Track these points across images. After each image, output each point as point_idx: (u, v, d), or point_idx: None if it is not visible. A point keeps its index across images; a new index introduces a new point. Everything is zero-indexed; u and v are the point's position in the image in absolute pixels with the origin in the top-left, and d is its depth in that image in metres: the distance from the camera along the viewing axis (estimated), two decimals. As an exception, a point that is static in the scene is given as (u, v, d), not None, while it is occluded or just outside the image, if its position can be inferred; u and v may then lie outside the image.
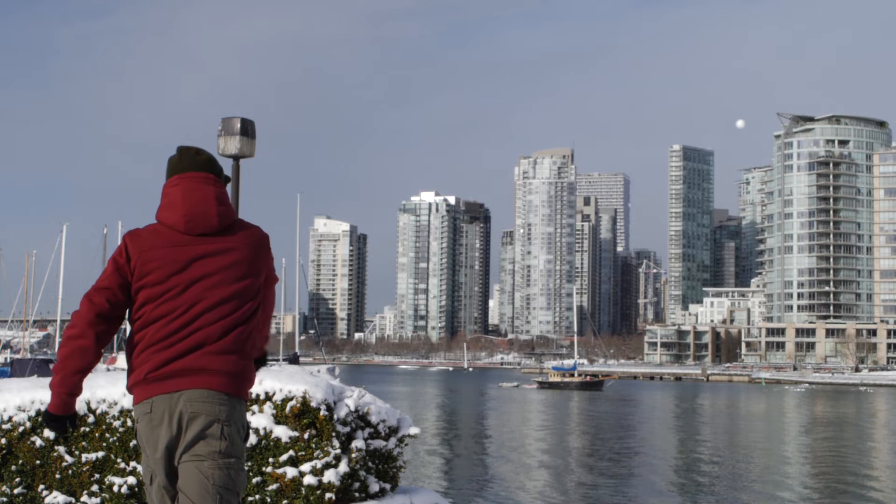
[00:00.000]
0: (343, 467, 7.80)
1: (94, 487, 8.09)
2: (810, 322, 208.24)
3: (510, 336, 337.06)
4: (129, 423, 8.05)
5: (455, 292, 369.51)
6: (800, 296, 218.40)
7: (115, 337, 4.03)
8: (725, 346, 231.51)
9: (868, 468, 36.09)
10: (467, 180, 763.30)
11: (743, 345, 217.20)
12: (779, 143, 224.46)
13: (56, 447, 8.20)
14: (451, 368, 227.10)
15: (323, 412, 7.88)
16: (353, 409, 8.21)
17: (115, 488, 8.04)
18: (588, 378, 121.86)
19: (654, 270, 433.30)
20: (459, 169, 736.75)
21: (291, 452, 7.75)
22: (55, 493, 8.12)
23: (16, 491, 8.23)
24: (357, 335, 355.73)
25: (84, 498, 8.10)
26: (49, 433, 8.22)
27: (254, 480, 7.75)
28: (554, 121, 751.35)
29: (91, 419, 8.14)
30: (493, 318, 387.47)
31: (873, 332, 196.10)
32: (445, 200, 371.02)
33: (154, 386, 3.66)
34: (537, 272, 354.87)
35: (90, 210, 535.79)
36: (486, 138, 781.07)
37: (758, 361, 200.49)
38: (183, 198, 3.81)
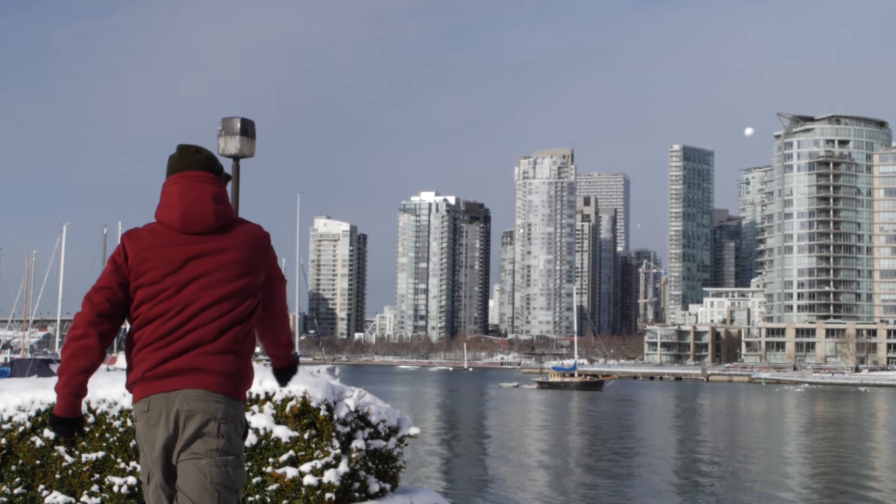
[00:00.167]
0: (343, 467, 7.80)
1: (94, 487, 8.09)
2: (810, 322, 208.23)
3: (510, 336, 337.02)
4: (129, 422, 8.05)
5: (455, 292, 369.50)
6: (800, 296, 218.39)
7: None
8: (725, 346, 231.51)
9: (868, 468, 36.09)
10: (467, 180, 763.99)
11: (743, 345, 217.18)
12: (779, 143, 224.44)
13: (56, 447, 8.21)
14: (451, 368, 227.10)
15: (323, 412, 7.88)
16: (353, 409, 8.21)
17: (115, 488, 8.04)
18: (588, 378, 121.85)
19: (654, 270, 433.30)
20: (459, 169, 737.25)
21: (291, 452, 7.74)
22: (55, 493, 8.12)
23: (16, 491, 8.23)
24: (357, 335, 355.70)
25: (84, 498, 8.10)
26: (49, 433, 8.22)
27: (254, 480, 7.75)
28: (554, 121, 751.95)
29: (91, 419, 8.15)
30: (493, 318, 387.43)
31: (873, 332, 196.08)
32: (445, 200, 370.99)
33: (151, 385, 3.66)
34: (537, 272, 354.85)
35: (90, 210, 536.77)
36: (486, 138, 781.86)
37: (758, 361, 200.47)
38: (180, 197, 3.79)
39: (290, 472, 7.68)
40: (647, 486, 29.72)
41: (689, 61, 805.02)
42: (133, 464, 8.00)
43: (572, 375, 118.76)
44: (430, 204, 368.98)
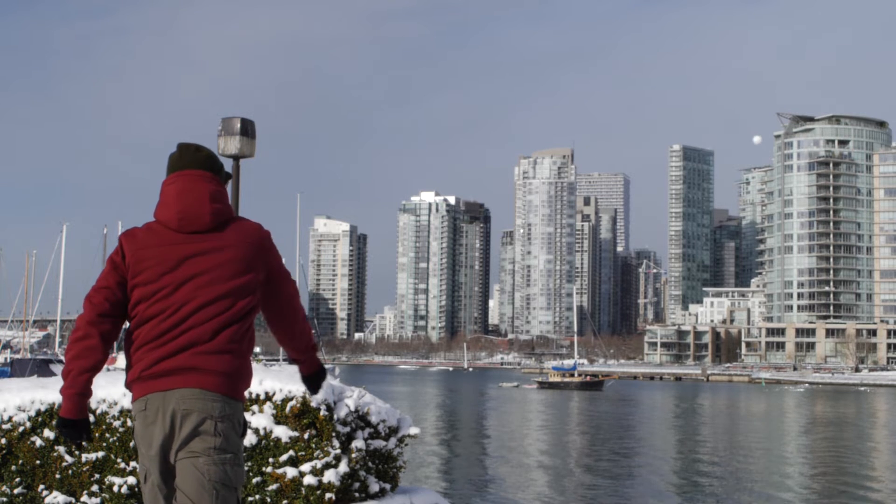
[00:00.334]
0: (343, 467, 7.80)
1: (94, 487, 8.09)
2: (810, 322, 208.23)
3: (510, 336, 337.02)
4: (129, 422, 8.05)
5: (455, 292, 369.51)
6: (800, 296, 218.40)
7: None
8: (725, 346, 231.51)
9: (868, 468, 36.09)
10: (467, 180, 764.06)
11: (743, 345, 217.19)
12: (779, 143, 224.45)
13: (56, 447, 8.21)
14: (451, 368, 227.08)
15: (323, 412, 7.88)
16: (353, 409, 8.21)
17: (115, 488, 8.04)
18: (588, 378, 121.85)
19: (654, 270, 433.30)
20: (459, 169, 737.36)
21: (291, 452, 7.74)
22: (55, 493, 8.12)
23: (16, 491, 8.23)
24: (357, 335, 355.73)
25: (84, 498, 8.10)
26: (49, 433, 8.22)
27: (254, 480, 7.75)
28: (554, 121, 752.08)
29: (91, 419, 8.15)
30: (493, 318, 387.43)
31: (873, 332, 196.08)
32: (445, 200, 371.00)
33: (148, 384, 3.67)
34: (537, 272, 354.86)
35: (90, 210, 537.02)
36: (486, 138, 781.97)
37: (758, 361, 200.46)
38: (177, 196, 3.79)
39: (290, 472, 7.68)
40: (647, 486, 29.72)
41: (689, 61, 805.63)
42: (133, 464, 8.00)
43: (572, 375, 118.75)
44: (430, 204, 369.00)
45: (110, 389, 8.08)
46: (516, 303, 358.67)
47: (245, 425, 3.82)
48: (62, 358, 61.08)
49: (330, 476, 7.68)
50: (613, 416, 65.17)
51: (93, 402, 8.14)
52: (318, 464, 7.72)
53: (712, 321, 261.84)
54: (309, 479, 7.66)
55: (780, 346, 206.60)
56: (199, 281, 3.71)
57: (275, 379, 8.03)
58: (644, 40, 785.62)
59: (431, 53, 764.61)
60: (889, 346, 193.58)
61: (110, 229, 77.33)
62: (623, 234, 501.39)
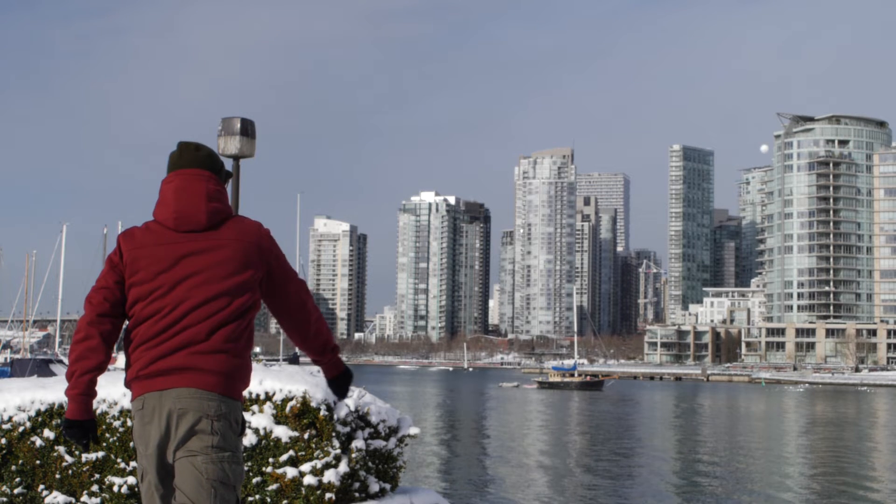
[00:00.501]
0: (343, 467, 7.80)
1: (94, 487, 8.09)
2: (810, 322, 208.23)
3: (510, 336, 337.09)
4: (129, 422, 8.04)
5: (455, 292, 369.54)
6: (800, 296, 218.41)
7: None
8: (725, 346, 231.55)
9: (868, 468, 36.09)
10: (467, 180, 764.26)
11: (743, 345, 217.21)
12: (779, 143, 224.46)
13: (56, 447, 8.21)
14: (451, 368, 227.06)
15: (323, 412, 7.88)
16: (353, 409, 8.21)
17: (115, 488, 8.04)
18: (588, 378, 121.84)
19: (654, 270, 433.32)
20: (459, 169, 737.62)
21: (291, 452, 7.74)
22: (55, 493, 8.12)
23: (16, 491, 8.23)
24: (357, 335, 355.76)
25: (84, 498, 8.10)
26: (49, 433, 8.23)
27: (254, 480, 7.75)
28: (554, 121, 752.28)
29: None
30: (493, 318, 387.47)
31: (873, 332, 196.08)
32: (445, 200, 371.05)
33: (145, 383, 3.67)
34: (537, 272, 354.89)
35: (90, 210, 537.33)
36: (486, 138, 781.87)
37: (758, 361, 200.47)
38: (174, 195, 3.79)
39: (290, 472, 7.68)
40: (647, 486, 29.72)
41: (689, 61, 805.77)
42: (133, 464, 8.00)
43: (572, 375, 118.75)
44: (430, 204, 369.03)
45: (110, 389, 8.08)
46: (516, 303, 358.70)
47: (243, 424, 3.81)
48: (62, 358, 61.09)
49: (330, 476, 7.68)
50: (613, 416, 65.17)
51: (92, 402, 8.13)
52: (318, 464, 7.72)
53: (712, 321, 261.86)
54: (309, 479, 7.66)
55: (780, 346, 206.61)
56: (195, 280, 3.70)
57: (275, 379, 8.03)
58: (644, 40, 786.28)
59: (431, 53, 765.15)
60: (889, 346, 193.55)
61: (110, 229, 77.36)
62: (623, 234, 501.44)
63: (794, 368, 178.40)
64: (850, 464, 37.03)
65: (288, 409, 7.83)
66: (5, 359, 62.67)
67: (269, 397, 7.93)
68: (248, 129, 12.09)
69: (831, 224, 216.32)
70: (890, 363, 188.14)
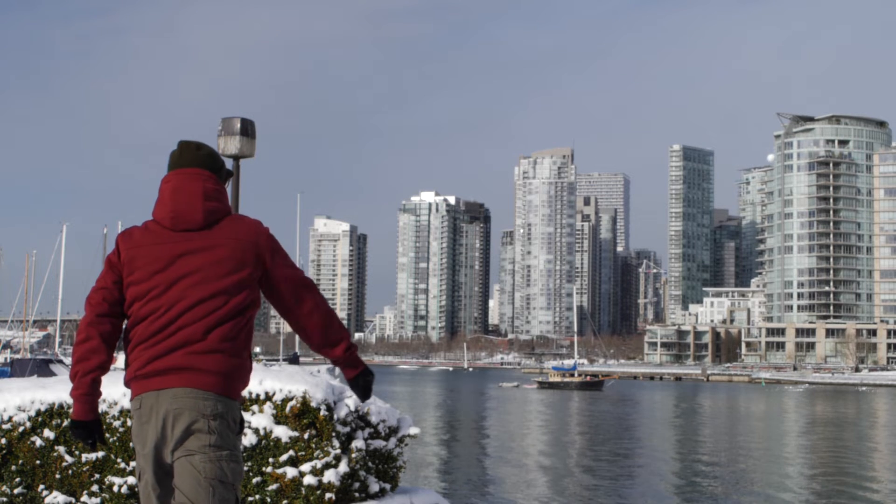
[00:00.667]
0: (343, 467, 7.80)
1: (94, 487, 8.09)
2: (810, 322, 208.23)
3: (510, 336, 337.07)
4: (129, 422, 8.05)
5: (455, 292, 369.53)
6: (800, 296, 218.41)
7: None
8: (725, 346, 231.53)
9: (868, 468, 36.09)
10: (467, 180, 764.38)
11: (743, 345, 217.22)
12: (779, 142, 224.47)
13: (56, 447, 8.21)
14: (451, 368, 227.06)
15: (323, 412, 7.88)
16: (353, 409, 8.21)
17: (115, 488, 8.04)
18: (588, 378, 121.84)
19: (654, 270, 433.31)
20: (459, 169, 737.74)
21: (291, 452, 7.75)
22: (55, 493, 8.12)
23: (16, 491, 8.23)
24: (357, 335, 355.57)
25: (84, 498, 8.10)
26: (49, 433, 8.23)
27: (254, 480, 7.75)
28: (554, 121, 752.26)
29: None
30: (493, 318, 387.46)
31: (873, 332, 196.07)
32: (445, 200, 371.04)
33: (143, 383, 3.68)
34: (537, 272, 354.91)
35: (90, 210, 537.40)
36: (486, 138, 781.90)
37: (758, 361, 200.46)
38: (171, 194, 3.79)
39: (290, 472, 7.68)
40: (647, 486, 29.73)
41: (689, 61, 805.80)
42: (133, 464, 8.00)
43: (572, 375, 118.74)
44: (430, 204, 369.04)
45: (110, 389, 8.08)
46: (516, 303, 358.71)
47: (242, 423, 3.80)
48: (62, 358, 61.11)
49: (330, 476, 7.68)
50: (613, 416, 65.16)
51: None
52: (318, 464, 7.72)
53: (712, 321, 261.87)
54: (309, 479, 7.66)
55: (780, 346, 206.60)
56: (191, 280, 3.70)
57: (275, 379, 8.03)
58: (644, 40, 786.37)
59: (431, 53, 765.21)
60: (889, 346, 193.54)
61: (110, 229, 77.36)
62: (623, 234, 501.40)
63: (794, 368, 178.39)
64: (850, 464, 37.03)
65: (288, 409, 7.83)
66: (5, 359, 62.62)
67: (269, 397, 7.93)
68: (248, 129, 12.10)
69: (831, 224, 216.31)
70: (890, 363, 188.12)
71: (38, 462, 8.20)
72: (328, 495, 7.67)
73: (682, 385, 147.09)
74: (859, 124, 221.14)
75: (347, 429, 8.10)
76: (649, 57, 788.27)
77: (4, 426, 8.32)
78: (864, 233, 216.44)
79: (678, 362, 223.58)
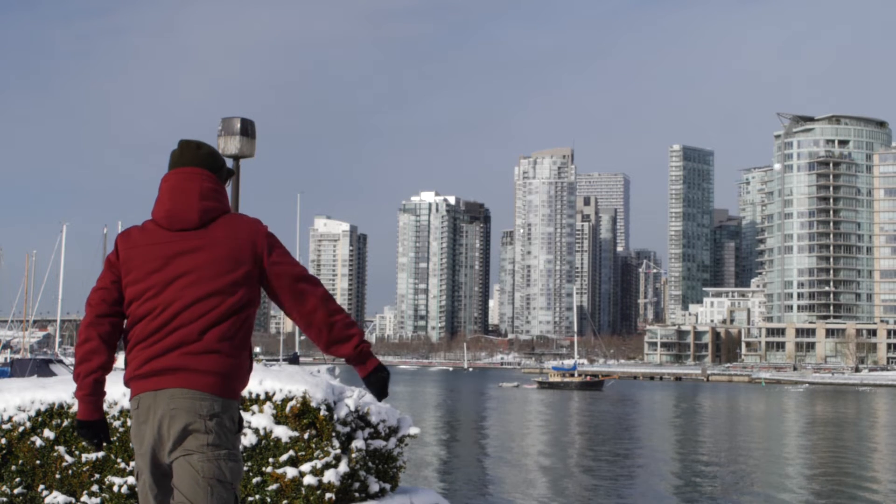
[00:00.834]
0: (343, 467, 7.80)
1: (94, 487, 8.09)
2: (810, 322, 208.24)
3: (510, 336, 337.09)
4: (129, 422, 8.05)
5: (455, 292, 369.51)
6: (800, 296, 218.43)
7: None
8: (725, 346, 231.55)
9: (868, 468, 36.09)
10: (467, 180, 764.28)
11: (743, 345, 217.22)
12: (779, 143, 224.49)
13: (56, 447, 8.21)
14: (451, 368, 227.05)
15: (323, 412, 7.88)
16: (353, 409, 8.21)
17: (115, 488, 8.04)
18: (588, 378, 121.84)
19: (654, 270, 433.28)
20: (459, 169, 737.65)
21: (291, 452, 7.75)
22: (55, 493, 8.12)
23: (16, 491, 8.23)
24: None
25: (84, 498, 8.10)
26: (49, 433, 8.23)
27: (254, 480, 7.75)
28: (554, 121, 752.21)
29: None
30: (493, 318, 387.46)
31: (873, 332, 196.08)
32: (445, 200, 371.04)
33: (141, 383, 3.68)
34: (537, 272, 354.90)
35: (90, 210, 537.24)
36: (486, 138, 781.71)
37: (758, 361, 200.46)
38: (169, 193, 3.79)
39: (290, 472, 7.68)
40: (647, 486, 29.73)
41: (689, 61, 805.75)
42: (133, 464, 8.00)
43: (572, 375, 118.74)
44: (430, 204, 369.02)
45: (110, 389, 8.01)
46: (516, 303, 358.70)
47: (240, 422, 3.78)
48: (62, 358, 61.09)
49: (330, 476, 7.68)
50: (613, 417, 65.16)
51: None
52: (318, 464, 7.72)
53: (712, 321, 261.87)
54: (309, 479, 7.66)
55: (780, 346, 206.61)
56: (187, 279, 3.69)
57: (275, 379, 8.03)
58: (644, 40, 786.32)
59: (431, 53, 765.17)
60: (889, 346, 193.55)
61: (110, 229, 77.38)
62: (623, 234, 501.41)
63: (794, 368, 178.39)
64: (850, 464, 37.03)
65: (288, 409, 7.83)
66: (5, 359, 62.61)
67: (269, 397, 7.93)
68: (248, 129, 12.10)
69: (831, 224, 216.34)
70: (890, 363, 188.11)
71: (38, 462, 8.20)
72: (328, 495, 7.67)
73: (682, 385, 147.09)
74: (859, 124, 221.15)
75: (347, 429, 8.10)
76: (649, 57, 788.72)
77: (4, 426, 8.32)
78: (864, 233, 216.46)
79: (678, 362, 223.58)
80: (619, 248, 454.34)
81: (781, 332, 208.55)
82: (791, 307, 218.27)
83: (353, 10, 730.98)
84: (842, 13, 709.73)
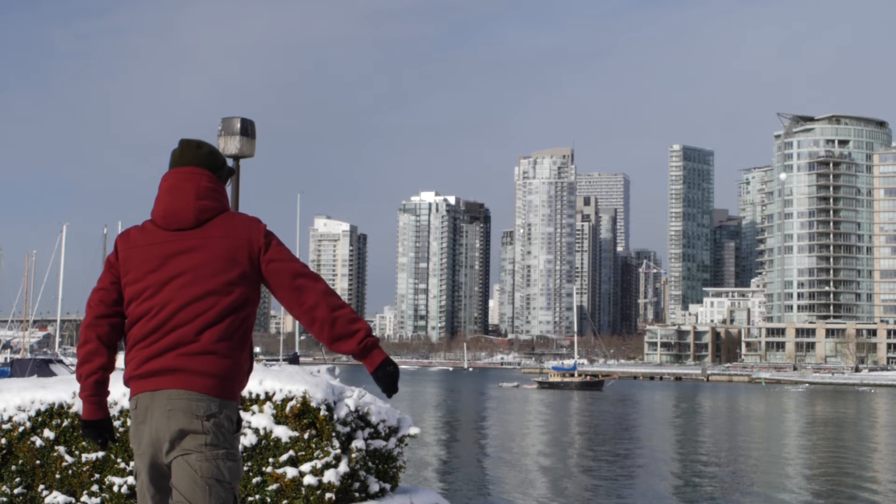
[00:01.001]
0: (343, 467, 7.80)
1: (94, 487, 8.09)
2: (810, 322, 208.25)
3: (510, 336, 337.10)
4: (129, 422, 8.04)
5: (455, 292, 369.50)
6: (800, 296, 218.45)
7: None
8: (725, 346, 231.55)
9: (868, 468, 36.08)
10: (467, 180, 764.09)
11: (743, 345, 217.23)
12: (779, 143, 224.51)
13: (56, 447, 8.21)
14: (451, 368, 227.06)
15: (323, 412, 7.87)
16: (353, 409, 8.21)
17: (115, 488, 8.04)
18: (588, 378, 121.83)
19: (654, 270, 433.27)
20: (459, 169, 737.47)
21: (291, 452, 7.74)
22: (55, 493, 8.12)
23: (16, 491, 8.23)
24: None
25: (84, 498, 8.10)
26: (49, 433, 8.23)
27: (254, 480, 7.75)
28: (554, 121, 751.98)
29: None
30: (493, 318, 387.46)
31: (873, 332, 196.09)
32: (445, 200, 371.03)
33: (139, 383, 3.67)
34: (537, 272, 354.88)
35: (90, 210, 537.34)
36: (486, 138, 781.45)
37: (758, 361, 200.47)
38: (166, 193, 3.78)
39: (290, 472, 7.68)
40: (647, 486, 29.73)
41: (689, 61, 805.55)
42: (133, 464, 8.01)
43: (572, 375, 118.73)
44: (430, 204, 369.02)
45: (111, 389, 8.09)
46: (516, 303, 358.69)
47: (239, 422, 3.77)
48: (62, 358, 61.09)
49: (330, 476, 7.68)
50: (613, 417, 65.16)
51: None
52: (318, 464, 7.72)
53: (712, 321, 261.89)
54: (309, 479, 7.66)
55: (780, 346, 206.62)
56: (183, 280, 3.67)
57: (275, 379, 8.03)
58: (644, 40, 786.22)
59: (431, 53, 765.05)
60: (889, 346, 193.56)
61: (110, 229, 77.39)
62: (623, 234, 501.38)
63: (794, 368, 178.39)
64: (850, 464, 37.03)
65: (288, 409, 7.83)
66: (5, 359, 62.64)
67: (269, 397, 7.93)
68: (248, 129, 12.10)
69: (831, 224, 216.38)
70: (890, 363, 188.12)
71: (38, 462, 8.20)
72: (328, 495, 7.67)
73: (682, 385, 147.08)
74: (859, 124, 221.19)
75: (347, 429, 8.10)
76: (649, 57, 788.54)
77: (4, 426, 8.32)
78: (864, 233, 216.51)
79: (678, 362, 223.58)
80: (619, 248, 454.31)
81: (781, 332, 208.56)
82: (791, 307, 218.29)
83: (353, 10, 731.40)
84: (842, 13, 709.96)
